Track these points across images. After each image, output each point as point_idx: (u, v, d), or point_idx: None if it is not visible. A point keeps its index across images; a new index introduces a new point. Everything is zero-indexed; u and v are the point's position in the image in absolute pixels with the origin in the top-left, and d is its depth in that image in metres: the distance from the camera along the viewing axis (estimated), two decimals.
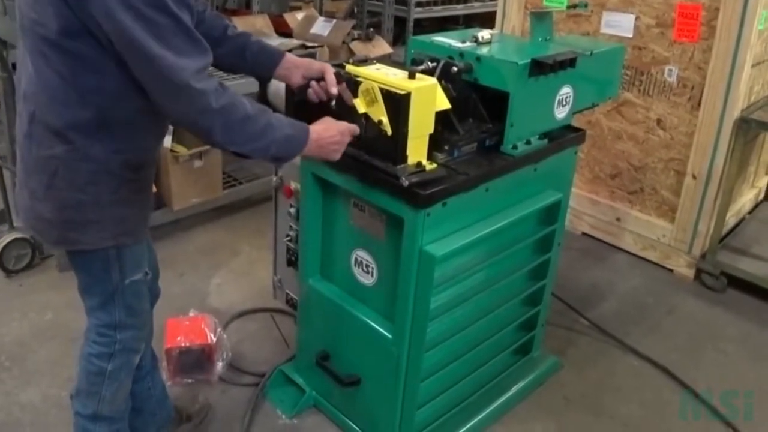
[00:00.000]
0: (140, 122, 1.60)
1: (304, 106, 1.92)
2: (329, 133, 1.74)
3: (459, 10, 7.26)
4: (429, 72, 1.93)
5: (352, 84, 1.82)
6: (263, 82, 2.03)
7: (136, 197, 1.69)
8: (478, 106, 2.04)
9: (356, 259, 2.06)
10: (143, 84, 1.49)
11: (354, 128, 1.80)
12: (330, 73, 1.85)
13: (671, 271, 3.39)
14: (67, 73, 1.47)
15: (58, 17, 1.42)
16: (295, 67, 1.91)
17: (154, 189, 3.18)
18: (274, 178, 2.47)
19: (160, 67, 1.43)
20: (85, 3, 1.38)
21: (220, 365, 2.46)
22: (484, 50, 2.02)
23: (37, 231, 1.71)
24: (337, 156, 1.79)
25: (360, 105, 1.80)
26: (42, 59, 1.48)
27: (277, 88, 2.03)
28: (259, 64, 1.91)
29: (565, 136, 2.22)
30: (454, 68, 1.95)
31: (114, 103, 1.52)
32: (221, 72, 2.64)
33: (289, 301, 2.62)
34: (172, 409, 2.20)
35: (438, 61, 1.98)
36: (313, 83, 1.88)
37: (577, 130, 2.28)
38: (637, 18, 3.26)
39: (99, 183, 1.58)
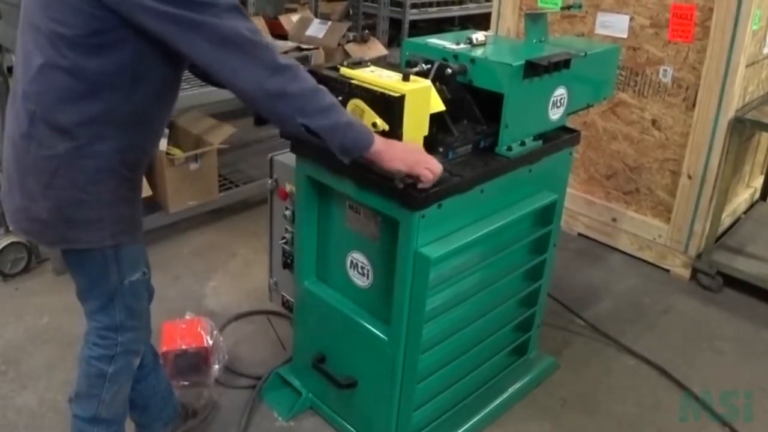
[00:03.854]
0: (144, 119, 1.62)
1: None
2: (406, 151, 1.68)
3: (454, 11, 7.26)
4: (423, 74, 1.93)
5: (345, 87, 1.82)
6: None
7: (132, 195, 1.70)
8: (472, 108, 2.04)
9: (352, 262, 2.06)
10: (206, 65, 1.48)
11: (438, 169, 1.72)
12: None
13: (667, 271, 3.40)
14: (81, 70, 1.48)
15: (87, 17, 1.43)
16: None
17: (150, 192, 3.24)
18: (270, 181, 2.47)
19: (214, 29, 1.43)
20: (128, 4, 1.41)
21: (216, 368, 2.45)
22: (478, 52, 2.03)
23: (30, 233, 1.69)
24: (407, 171, 1.70)
25: None
26: (51, 58, 1.48)
27: None
28: None
29: (560, 137, 2.23)
30: (449, 70, 1.96)
31: (125, 97, 1.54)
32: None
33: (285, 304, 2.62)
34: (178, 405, 2.21)
35: (432, 63, 1.98)
36: None
37: (571, 131, 2.29)
38: (631, 19, 3.27)
39: (100, 181, 1.59)
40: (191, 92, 3.19)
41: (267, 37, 1.53)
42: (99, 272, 1.71)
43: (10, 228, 1.71)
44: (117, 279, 1.72)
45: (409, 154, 1.70)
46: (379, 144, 1.64)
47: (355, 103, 1.77)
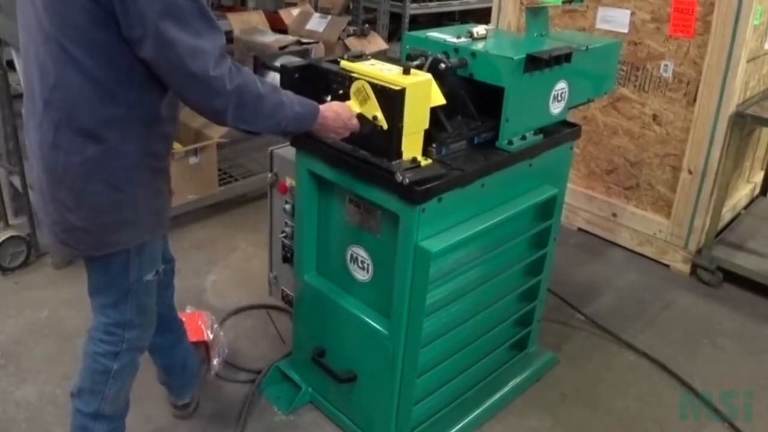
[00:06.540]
0: (164, 111, 1.63)
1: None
2: (336, 122, 1.76)
3: (455, 5, 7.27)
4: (421, 68, 1.92)
5: (346, 80, 1.81)
6: (257, 71, 2.03)
7: (165, 186, 1.75)
8: (467, 104, 2.03)
9: (352, 256, 2.06)
10: (159, 69, 1.50)
11: (356, 125, 1.80)
12: None
13: (667, 266, 3.40)
14: (96, 71, 1.49)
15: (84, 11, 1.43)
16: None
17: None
18: (269, 175, 2.47)
19: (179, 53, 1.44)
20: None
21: (216, 362, 2.45)
22: (479, 45, 2.02)
23: (67, 244, 1.68)
24: (332, 139, 1.83)
25: (354, 105, 1.80)
26: (68, 64, 1.48)
27: (273, 79, 2.02)
28: None
29: (561, 131, 2.22)
30: (442, 65, 1.94)
31: (141, 96, 1.55)
32: None
33: (285, 298, 2.62)
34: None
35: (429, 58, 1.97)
36: None
37: (572, 125, 2.28)
38: (632, 13, 3.26)
39: (135, 179, 1.62)
40: None
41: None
42: (120, 270, 1.73)
43: (50, 240, 1.75)
44: (136, 276, 1.75)
45: (328, 138, 1.82)
46: (319, 119, 1.74)
47: (360, 84, 1.77)
